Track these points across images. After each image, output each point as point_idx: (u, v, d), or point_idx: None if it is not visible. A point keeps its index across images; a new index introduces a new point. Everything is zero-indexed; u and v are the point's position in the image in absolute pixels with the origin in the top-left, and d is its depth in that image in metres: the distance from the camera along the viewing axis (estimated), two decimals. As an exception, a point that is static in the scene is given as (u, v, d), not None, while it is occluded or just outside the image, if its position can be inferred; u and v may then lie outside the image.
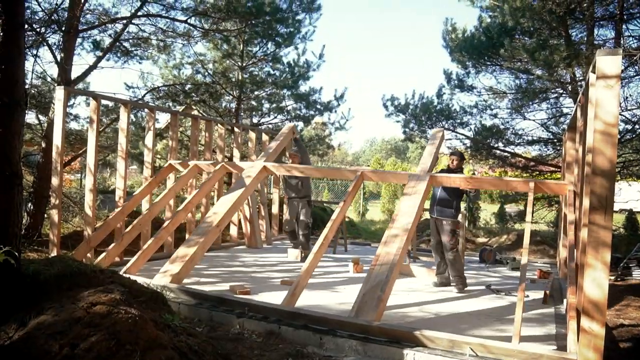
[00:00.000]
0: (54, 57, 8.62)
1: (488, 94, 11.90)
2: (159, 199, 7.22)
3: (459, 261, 6.02)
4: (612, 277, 7.57)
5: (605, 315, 3.07)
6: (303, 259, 7.41)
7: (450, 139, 12.84)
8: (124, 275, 4.57)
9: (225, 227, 10.15)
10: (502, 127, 11.60)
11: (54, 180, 6.35)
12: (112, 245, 6.61)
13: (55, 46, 8.92)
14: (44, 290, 3.30)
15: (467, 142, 12.43)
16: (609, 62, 3.18)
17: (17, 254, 3.07)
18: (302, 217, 7.77)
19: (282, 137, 8.14)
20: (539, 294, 5.81)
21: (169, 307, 3.82)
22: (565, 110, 11.31)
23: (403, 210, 5.29)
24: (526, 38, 10.27)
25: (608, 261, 3.07)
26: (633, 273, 7.41)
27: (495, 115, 11.93)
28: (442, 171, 6.43)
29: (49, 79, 10.68)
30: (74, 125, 12.08)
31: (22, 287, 3.23)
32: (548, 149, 12.23)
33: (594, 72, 3.38)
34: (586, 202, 3.33)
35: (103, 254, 6.38)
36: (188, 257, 5.57)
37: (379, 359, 3.73)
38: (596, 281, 3.08)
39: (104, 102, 7.74)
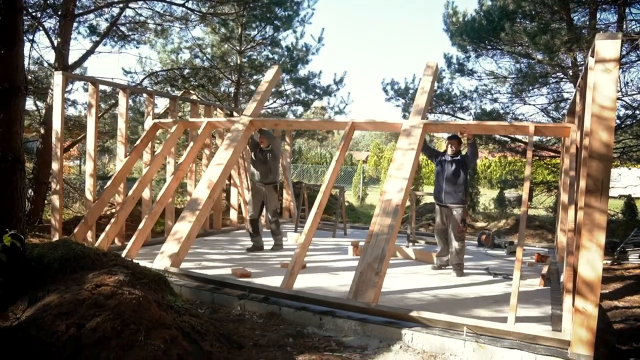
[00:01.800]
0: (51, 42, 8.58)
1: (488, 79, 11.87)
2: (150, 166, 7.00)
3: (463, 250, 6.04)
4: (609, 262, 7.67)
5: (598, 296, 3.14)
6: (278, 246, 7.27)
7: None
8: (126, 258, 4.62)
9: (225, 211, 10.26)
10: (502, 111, 11.59)
11: (54, 166, 6.37)
12: (110, 223, 6.45)
13: (52, 31, 8.88)
14: (48, 273, 3.37)
15: (467, 126, 12.42)
16: (608, 46, 3.19)
17: (22, 237, 3.12)
18: (269, 205, 7.26)
19: (268, 83, 7.23)
20: (536, 277, 5.89)
21: (171, 289, 3.89)
22: (565, 95, 11.31)
23: (396, 169, 5.05)
24: (527, 22, 10.20)
25: (602, 243, 3.12)
26: (629, 257, 7.50)
27: (495, 100, 11.91)
28: (441, 154, 6.28)
29: (45, 65, 10.63)
30: (72, 111, 12.05)
31: (28, 270, 3.29)
32: (548, 134, 12.23)
33: (594, 56, 3.39)
34: (582, 185, 3.37)
35: (102, 235, 6.30)
36: (185, 235, 5.50)
37: (378, 338, 3.81)
38: (590, 263, 3.13)
39: (102, 87, 7.72)
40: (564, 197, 5.67)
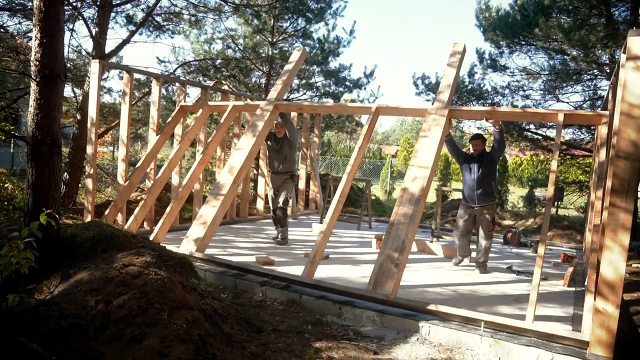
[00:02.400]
0: (89, 31, 8.86)
1: (521, 75, 11.61)
2: (176, 150, 7.13)
3: (490, 249, 5.97)
4: (638, 265, 7.46)
5: (619, 297, 3.09)
6: (284, 240, 7.03)
7: (480, 119, 12.65)
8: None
9: (252, 200, 10.42)
10: (534, 108, 11.34)
11: (89, 150, 6.62)
12: (139, 207, 6.61)
13: (90, 20, 9.16)
14: (80, 251, 3.55)
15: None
16: (639, 43, 3.12)
17: (57, 217, 3.29)
18: (282, 192, 7.03)
19: (293, 66, 7.06)
20: (561, 277, 5.80)
21: (195, 273, 4.04)
22: (601, 93, 10.95)
23: (419, 157, 4.99)
24: (564, 17, 9.92)
25: (626, 244, 3.07)
26: (661, 261, 7.28)
27: (527, 97, 11.65)
28: (467, 155, 6.13)
29: (83, 53, 10.99)
30: (106, 98, 12.43)
31: (61, 248, 3.47)
32: (582, 133, 11.91)
33: (625, 53, 3.31)
34: (609, 184, 3.32)
35: (131, 218, 6.48)
36: (210, 220, 5.61)
37: (395, 329, 3.85)
38: (613, 263, 3.09)
39: (136, 75, 7.92)
40: (594, 198, 5.55)
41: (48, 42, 3.24)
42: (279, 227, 7.10)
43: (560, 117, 4.77)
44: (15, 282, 2.97)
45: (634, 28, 5.47)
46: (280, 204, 6.98)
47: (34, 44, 3.28)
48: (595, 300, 3.25)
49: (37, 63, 3.24)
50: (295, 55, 7.26)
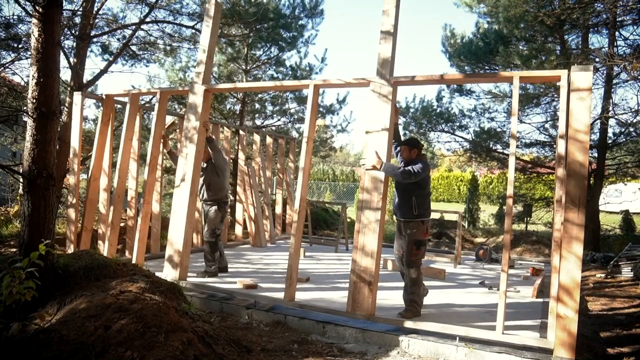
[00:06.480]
0: (68, 61, 8.98)
1: (486, 98, 12.24)
2: (121, 155, 6.62)
3: (418, 281, 4.77)
4: (603, 275, 7.92)
5: (577, 302, 3.41)
6: (207, 273, 6.33)
7: (449, 142, 13.20)
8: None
9: (230, 226, 10.54)
10: (499, 130, 11.94)
11: (72, 180, 6.71)
12: (108, 230, 6.49)
13: (69, 51, 9.29)
14: (74, 280, 3.68)
15: (466, 144, 12.80)
16: (581, 77, 3.52)
17: (52, 246, 3.43)
18: (207, 224, 6.42)
19: (210, 29, 5.84)
20: (530, 289, 6.15)
21: (184, 297, 4.19)
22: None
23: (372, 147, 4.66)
24: (522, 44, 10.60)
25: (580, 254, 3.41)
26: (622, 271, 7.75)
27: (492, 119, 12.27)
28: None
29: (61, 82, 11.04)
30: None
31: (56, 277, 3.60)
32: (546, 151, 12.56)
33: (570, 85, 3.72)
34: (563, 201, 3.68)
35: (106, 244, 6.42)
36: (181, 243, 5.63)
37: (377, 345, 4.08)
38: (569, 272, 3.42)
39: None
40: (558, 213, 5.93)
41: (45, 81, 3.43)
42: (205, 261, 6.43)
43: (516, 80, 4.13)
44: (14, 310, 3.09)
45: (578, 61, 5.98)
46: (206, 238, 6.42)
47: (30, 82, 3.46)
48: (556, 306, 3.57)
49: (34, 101, 3.42)
50: (210, 11, 5.90)
